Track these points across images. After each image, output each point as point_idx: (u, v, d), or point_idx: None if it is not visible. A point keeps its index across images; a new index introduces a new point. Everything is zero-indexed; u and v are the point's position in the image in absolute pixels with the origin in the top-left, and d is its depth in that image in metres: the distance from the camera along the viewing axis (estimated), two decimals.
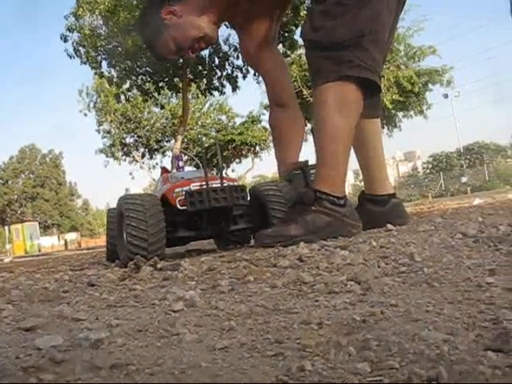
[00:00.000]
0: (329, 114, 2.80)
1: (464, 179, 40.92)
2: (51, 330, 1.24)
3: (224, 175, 3.17)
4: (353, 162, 3.63)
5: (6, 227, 43.17)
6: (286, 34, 14.07)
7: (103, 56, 14.94)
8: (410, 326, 0.90)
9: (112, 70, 15.64)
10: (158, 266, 2.39)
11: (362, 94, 2.83)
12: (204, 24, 3.31)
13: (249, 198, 3.22)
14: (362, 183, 3.68)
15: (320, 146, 2.89)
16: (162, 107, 21.20)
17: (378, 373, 0.71)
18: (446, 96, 41.09)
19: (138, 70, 15.29)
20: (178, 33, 3.31)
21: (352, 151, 3.29)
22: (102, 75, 16.29)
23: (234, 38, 15.63)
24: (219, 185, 3.03)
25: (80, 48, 14.75)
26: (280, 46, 14.77)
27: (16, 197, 58.34)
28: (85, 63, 14.98)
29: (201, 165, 3.28)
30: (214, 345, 0.93)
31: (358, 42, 2.75)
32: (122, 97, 17.17)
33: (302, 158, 3.66)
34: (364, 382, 0.68)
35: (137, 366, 0.85)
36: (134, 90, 16.46)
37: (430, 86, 23.56)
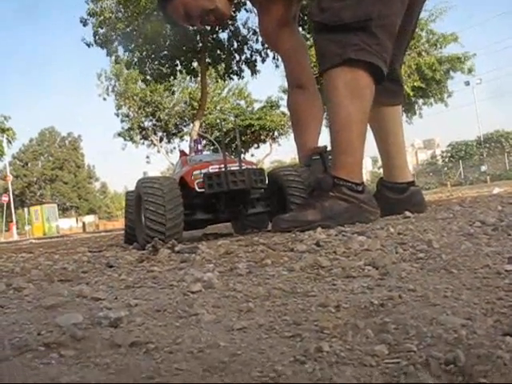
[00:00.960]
0: (341, 100, 2.78)
1: (484, 168, 40.57)
2: (71, 308, 1.26)
3: (243, 159, 3.16)
4: (371, 149, 3.63)
5: (26, 209, 43.60)
6: (306, 18, 13.96)
7: (121, 40, 14.97)
8: (428, 310, 0.90)
9: (129, 54, 15.68)
10: (176, 248, 2.41)
11: (373, 80, 2.80)
12: None
13: (267, 182, 3.22)
14: (381, 170, 3.67)
15: (334, 133, 2.88)
16: (173, 93, 21.18)
17: (395, 355, 0.71)
18: (467, 83, 40.57)
19: (156, 54, 15.30)
20: (190, 0, 3.25)
21: (372, 138, 3.28)
22: (116, 60, 16.34)
23: (253, 22, 15.59)
24: (238, 168, 3.03)
25: (99, 30, 14.78)
26: (300, 29, 14.65)
27: (35, 179, 58.91)
28: (102, 48, 15.03)
29: (219, 148, 3.28)
30: (232, 325, 0.94)
31: (364, 26, 2.72)
32: (146, 79, 17.13)
33: (321, 143, 3.64)
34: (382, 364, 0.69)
35: (156, 344, 0.86)
36: (151, 75, 16.46)
37: (451, 73, 23.33)
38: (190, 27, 4.02)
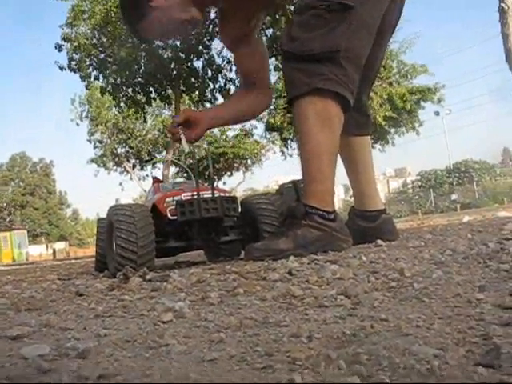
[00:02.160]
0: (310, 129, 2.80)
1: (454, 196, 41.13)
2: (38, 339, 1.23)
3: (215, 187, 3.16)
4: (342, 177, 3.66)
5: None
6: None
7: (95, 66, 14.96)
8: (401, 340, 0.90)
9: (104, 80, 15.67)
10: (147, 276, 2.38)
11: (342, 109, 2.83)
12: (190, 7, 3.18)
13: (240, 210, 3.22)
14: (352, 198, 3.69)
15: (304, 161, 2.90)
16: (145, 120, 21.18)
17: None
18: (437, 113, 41.40)
19: (130, 80, 15.31)
20: (165, 15, 3.17)
21: (342, 166, 3.30)
22: (88, 86, 16.33)
23: (228, 51, 15.71)
24: (210, 195, 3.02)
25: (74, 55, 14.78)
26: (273, 59, 14.86)
27: (5, 204, 58.05)
28: (75, 72, 15.00)
29: (192, 176, 3.27)
30: (203, 356, 0.93)
31: (332, 57, 2.75)
32: (119, 105, 17.09)
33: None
34: None
35: (124, 376, 0.84)
36: (125, 102, 16.44)
37: (421, 103, 23.77)
38: (165, 42, 4.01)
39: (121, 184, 32.93)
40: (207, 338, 1.08)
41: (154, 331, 1.18)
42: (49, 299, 2.06)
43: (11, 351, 1.08)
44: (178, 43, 14.83)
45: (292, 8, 11.02)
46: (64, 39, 14.78)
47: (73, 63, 14.88)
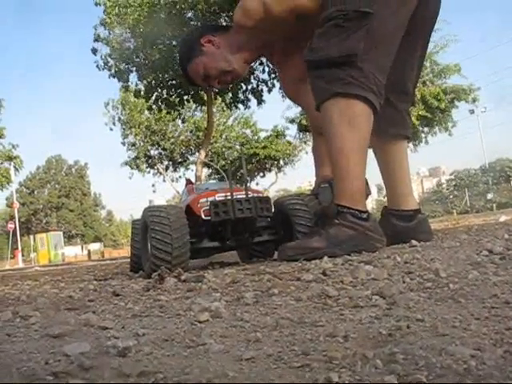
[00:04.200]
0: (336, 129, 2.82)
1: (490, 196, 40.46)
2: (78, 337, 1.26)
3: (249, 187, 3.17)
4: (375, 177, 3.64)
5: (31, 236, 43.64)
6: None
7: (132, 68, 15.12)
8: (437, 340, 0.90)
9: (139, 82, 15.83)
10: (182, 277, 2.41)
11: (370, 109, 2.83)
12: (235, 60, 3.45)
13: (273, 211, 3.22)
14: (385, 198, 3.67)
15: (333, 161, 2.91)
16: (184, 121, 21.29)
17: None
18: (472, 111, 40.75)
19: (164, 83, 15.43)
20: (210, 61, 3.45)
21: (374, 166, 3.30)
22: (127, 88, 16.49)
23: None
24: (244, 196, 3.04)
25: (109, 60, 14.95)
26: None
27: (41, 206, 59.08)
28: (113, 76, 15.18)
29: (226, 177, 3.29)
30: (241, 355, 0.94)
31: (350, 61, 2.77)
32: (153, 107, 17.27)
33: None
34: None
35: (164, 374, 0.86)
36: (158, 104, 16.56)
37: (455, 102, 23.46)
38: (207, 87, 4.25)
39: (153, 185, 33.22)
40: (244, 338, 1.09)
41: (191, 330, 1.20)
42: (87, 299, 2.10)
43: (54, 349, 1.11)
44: None
45: None
46: (96, 40, 14.98)
47: (110, 67, 15.07)
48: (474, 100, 23.90)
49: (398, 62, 3.01)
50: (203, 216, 3.04)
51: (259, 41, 3.41)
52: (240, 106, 16.55)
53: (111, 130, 30.55)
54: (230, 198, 3.00)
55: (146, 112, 21.90)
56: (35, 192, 59.81)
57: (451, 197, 46.36)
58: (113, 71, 15.03)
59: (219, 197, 3.08)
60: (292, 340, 1.03)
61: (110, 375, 0.88)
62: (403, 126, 3.38)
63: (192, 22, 13.98)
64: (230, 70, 3.46)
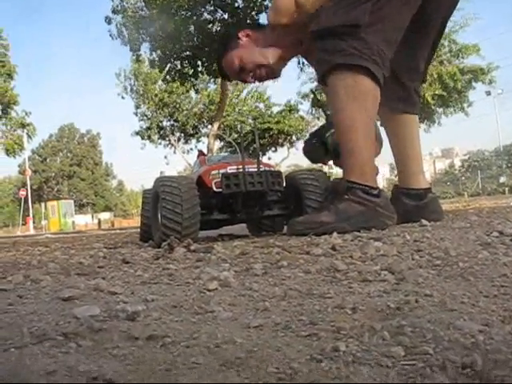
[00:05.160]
0: (343, 104, 2.80)
1: (502, 179, 40.20)
2: (88, 301, 1.27)
3: (260, 161, 3.17)
4: (387, 156, 3.62)
5: (43, 204, 43.93)
6: None
7: (145, 38, 15.02)
8: (445, 315, 0.90)
9: (153, 53, 15.73)
10: (192, 247, 2.42)
11: (376, 84, 2.81)
12: (271, 55, 3.42)
13: (284, 185, 3.22)
14: (397, 178, 3.65)
15: (340, 137, 2.90)
16: (198, 91, 21.17)
17: (411, 357, 0.72)
18: (488, 93, 40.21)
19: (178, 53, 15.33)
20: (246, 54, 3.45)
21: (387, 146, 3.29)
22: (138, 58, 16.41)
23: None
24: (256, 169, 3.03)
25: (123, 29, 14.86)
26: None
27: (53, 174, 59.36)
28: (126, 45, 15.09)
29: (238, 150, 3.29)
30: (249, 323, 0.95)
31: (353, 32, 2.75)
32: (166, 78, 17.17)
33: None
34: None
35: (172, 338, 0.87)
36: (172, 75, 16.46)
37: (473, 83, 23.17)
38: (244, 82, 4.19)
39: (166, 157, 33.24)
40: (252, 306, 1.10)
41: (200, 298, 1.21)
42: (96, 265, 2.12)
43: (64, 311, 1.12)
44: (225, 16, 14.79)
45: None
46: (113, 11, 14.88)
47: (122, 36, 14.98)
48: (491, 81, 23.59)
49: (410, 39, 2.98)
50: (214, 188, 3.05)
51: (294, 37, 3.38)
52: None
53: (123, 98, 30.49)
54: (241, 170, 3.00)
55: (159, 83, 21.82)
56: (47, 160, 60.04)
57: (463, 178, 46.09)
58: (125, 40, 14.94)
59: (231, 169, 3.08)
60: (300, 310, 1.03)
61: (118, 338, 0.89)
62: (410, 104, 3.35)
63: None
64: (266, 64, 3.43)
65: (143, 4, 14.38)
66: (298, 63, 15.74)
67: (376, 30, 2.78)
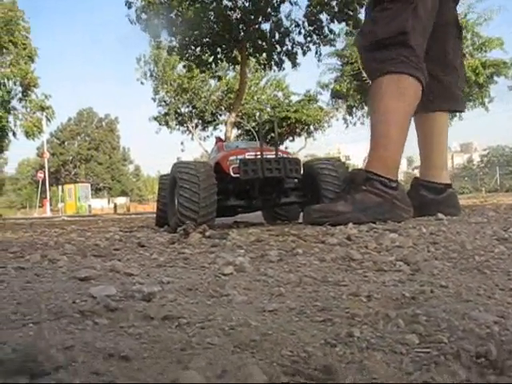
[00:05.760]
0: (383, 97, 2.85)
1: None
2: (104, 281, 1.29)
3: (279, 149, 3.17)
4: (406, 149, 3.61)
5: (60, 187, 44.21)
6: (351, 13, 13.85)
7: (163, 25, 15.00)
8: (460, 305, 0.90)
9: (172, 39, 15.74)
10: (207, 233, 2.43)
11: (420, 85, 2.84)
12: None
13: (302, 173, 3.22)
14: (415, 171, 3.64)
15: (372, 127, 2.91)
16: (220, 78, 21.15)
17: (426, 345, 0.72)
18: (511, 88, 39.68)
19: (197, 41, 15.32)
20: None
21: (409, 139, 3.29)
22: (158, 45, 16.42)
23: (296, 14, 15.49)
24: (274, 156, 3.04)
25: (142, 15, 14.86)
26: (343, 24, 14.58)
27: (71, 158, 59.68)
28: (145, 31, 15.10)
29: (256, 136, 3.30)
30: (264, 307, 0.95)
31: (401, 40, 2.83)
32: (182, 65, 17.18)
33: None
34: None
35: (188, 319, 0.88)
36: (192, 61, 16.45)
37: (495, 78, 22.85)
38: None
39: (182, 143, 33.30)
40: (267, 291, 1.11)
41: (215, 282, 1.22)
42: (112, 248, 2.14)
43: (80, 290, 1.14)
44: (246, 4, 14.74)
45: None
46: None
47: (141, 21, 14.98)
48: None
49: (436, 35, 3.01)
50: (232, 173, 3.05)
51: None
52: (274, 67, 16.38)
53: (142, 83, 30.49)
54: (259, 156, 3.01)
55: (179, 69, 21.79)
56: (65, 143, 60.30)
57: (481, 174, 45.66)
58: (144, 26, 14.94)
59: (249, 155, 3.08)
60: (315, 296, 1.04)
61: (134, 317, 0.90)
62: (445, 99, 3.34)
63: None
64: None
65: None
66: (316, 53, 15.63)
67: (418, 35, 2.87)
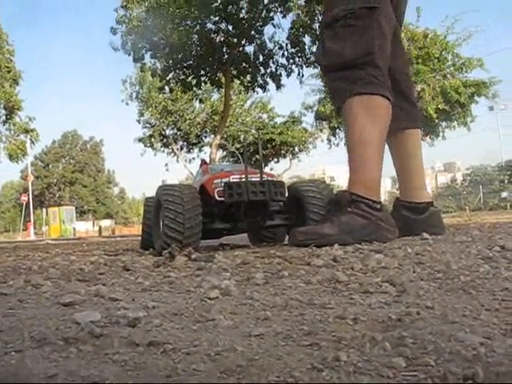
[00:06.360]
0: (356, 118, 2.86)
1: (504, 194, 40.11)
2: (89, 306, 1.27)
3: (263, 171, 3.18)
4: (389, 169, 3.63)
5: (44, 209, 43.92)
6: None
7: (147, 48, 15.07)
8: (446, 327, 0.90)
9: (156, 61, 15.81)
10: (193, 256, 2.42)
11: (390, 104, 2.88)
12: None
13: (287, 196, 3.22)
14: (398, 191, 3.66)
15: (349, 149, 2.93)
16: (201, 101, 21.24)
17: (413, 368, 0.71)
18: (491, 108, 40.19)
19: (181, 63, 15.39)
20: None
21: (389, 159, 3.31)
22: (142, 68, 16.51)
23: (280, 36, 15.64)
24: (258, 179, 3.04)
25: (127, 38, 14.93)
26: None
27: (55, 180, 59.36)
28: (129, 54, 15.16)
29: (241, 159, 3.31)
30: (250, 332, 0.95)
31: (368, 60, 2.84)
32: (166, 88, 17.26)
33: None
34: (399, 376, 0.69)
35: (173, 345, 0.87)
36: (175, 84, 16.50)
37: (475, 97, 23.13)
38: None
39: (166, 165, 33.26)
40: (253, 315, 1.10)
41: (201, 306, 1.21)
42: (97, 272, 2.12)
43: (64, 316, 1.12)
44: (229, 27, 14.85)
45: None
46: (118, 22, 14.96)
47: (127, 46, 15.04)
48: (494, 96, 23.55)
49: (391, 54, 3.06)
50: (217, 197, 3.05)
51: None
52: (258, 89, 16.49)
53: (127, 104, 30.48)
54: (244, 180, 3.01)
55: (166, 90, 21.99)
56: (50, 166, 60.00)
57: (465, 193, 46.02)
58: (129, 49, 15.01)
59: (234, 178, 3.09)
60: (301, 320, 1.03)
61: (119, 343, 0.89)
62: (412, 118, 3.37)
63: (213, 5, 13.90)
64: None
65: (148, 14, 14.45)
66: (298, 74, 15.77)
67: (382, 56, 2.90)
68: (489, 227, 4.04)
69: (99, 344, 0.89)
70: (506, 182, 44.61)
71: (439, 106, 21.68)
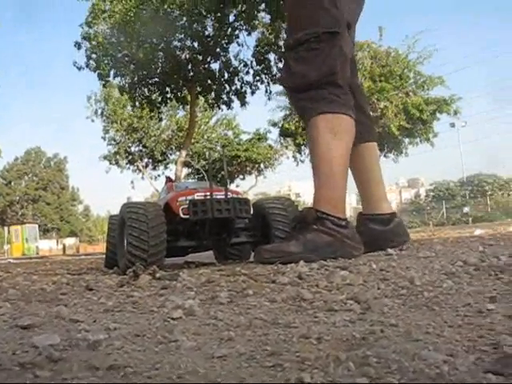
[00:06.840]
0: (320, 136, 2.91)
1: (466, 209, 40.85)
2: (48, 329, 1.24)
3: (228, 188, 3.17)
4: (354, 186, 3.67)
5: (6, 228, 43.06)
6: None
7: (112, 65, 15.01)
8: (410, 345, 0.90)
9: (121, 78, 15.75)
10: (157, 275, 2.39)
11: (352, 119, 2.96)
12: None
13: (252, 213, 3.22)
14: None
15: (314, 167, 2.96)
16: (161, 119, 21.26)
17: None
18: (452, 125, 40.99)
19: (147, 80, 15.38)
20: None
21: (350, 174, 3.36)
22: (105, 85, 16.45)
23: (245, 54, 15.77)
24: (223, 196, 3.04)
25: (92, 54, 14.86)
26: None
27: (18, 198, 58.31)
28: (94, 71, 15.07)
29: (206, 176, 3.31)
30: (213, 353, 0.93)
31: (331, 80, 2.93)
32: (135, 104, 17.21)
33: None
34: None
35: (134, 368, 0.85)
36: (140, 101, 16.45)
37: (437, 114, 23.58)
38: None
39: (132, 182, 32.98)
40: (216, 336, 1.09)
41: (164, 327, 1.19)
42: (59, 292, 2.07)
43: (22, 340, 1.09)
44: (195, 44, 14.91)
45: None
46: (83, 38, 14.89)
47: (91, 62, 14.96)
48: (456, 112, 24.04)
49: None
50: (181, 214, 3.03)
51: None
52: (223, 106, 16.55)
53: (93, 121, 30.21)
54: (209, 197, 3.00)
55: (129, 108, 21.82)
56: (12, 183, 58.95)
57: (428, 208, 46.73)
58: (93, 66, 14.93)
59: (198, 196, 3.07)
60: (265, 340, 1.02)
61: (78, 368, 0.86)
62: (368, 131, 3.45)
63: (179, 23, 13.95)
64: None
65: (113, 31, 14.41)
66: (266, 91, 15.91)
67: (343, 76, 2.99)
68: (451, 242, 4.10)
69: (57, 369, 0.86)
70: (467, 197, 45.46)
71: (402, 123, 22.05)
